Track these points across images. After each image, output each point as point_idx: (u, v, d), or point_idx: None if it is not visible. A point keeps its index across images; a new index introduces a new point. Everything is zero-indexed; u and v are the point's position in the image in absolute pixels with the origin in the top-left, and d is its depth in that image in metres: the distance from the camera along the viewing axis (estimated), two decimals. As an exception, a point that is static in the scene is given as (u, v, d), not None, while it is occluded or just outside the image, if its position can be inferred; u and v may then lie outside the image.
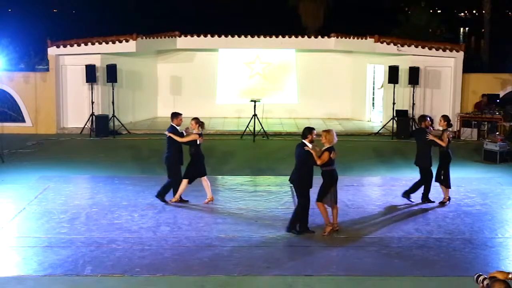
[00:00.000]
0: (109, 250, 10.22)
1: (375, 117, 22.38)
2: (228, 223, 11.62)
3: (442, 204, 12.70)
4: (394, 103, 20.11)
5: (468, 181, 14.59)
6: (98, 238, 10.75)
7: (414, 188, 12.85)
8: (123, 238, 10.73)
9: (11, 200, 12.91)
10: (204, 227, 11.35)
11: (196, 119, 12.52)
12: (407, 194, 12.87)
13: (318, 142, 11.18)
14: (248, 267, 9.62)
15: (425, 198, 12.80)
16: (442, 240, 10.82)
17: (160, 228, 11.30)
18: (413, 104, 20.18)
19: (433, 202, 12.77)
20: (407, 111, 20.14)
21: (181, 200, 12.72)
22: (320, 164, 10.78)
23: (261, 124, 19.76)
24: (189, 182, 12.63)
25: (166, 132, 12.56)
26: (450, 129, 12.87)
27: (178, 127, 12.59)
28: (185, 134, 12.58)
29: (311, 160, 10.77)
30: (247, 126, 19.73)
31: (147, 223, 11.54)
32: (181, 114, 12.70)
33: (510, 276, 5.37)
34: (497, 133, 18.00)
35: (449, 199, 12.78)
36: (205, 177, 12.67)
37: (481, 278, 5.27)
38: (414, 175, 14.95)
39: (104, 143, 19.08)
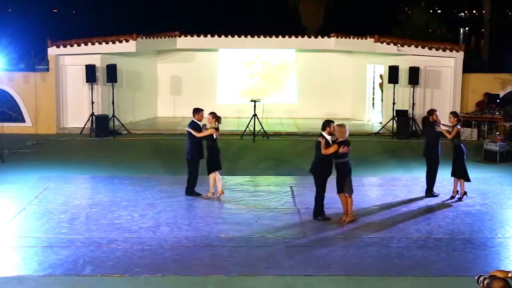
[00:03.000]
0: (109, 250, 10.21)
1: (375, 117, 22.38)
2: (228, 223, 11.61)
3: (459, 199, 12.96)
4: (394, 103, 20.11)
5: (468, 181, 14.58)
6: (98, 238, 10.75)
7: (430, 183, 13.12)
8: (123, 238, 10.73)
9: (11, 200, 12.90)
10: (204, 227, 11.35)
11: (213, 114, 12.99)
12: (429, 192, 13.10)
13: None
14: (248, 267, 9.62)
15: (429, 192, 13.07)
16: (442, 240, 10.82)
17: (160, 228, 11.30)
18: (413, 104, 20.18)
19: (437, 195, 13.07)
20: (407, 111, 20.14)
21: (196, 193, 13.16)
22: (324, 154, 11.27)
23: (261, 124, 19.75)
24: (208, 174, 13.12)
25: (187, 128, 13.00)
26: (460, 125, 13.09)
27: (199, 122, 13.06)
28: (203, 129, 13.01)
29: (320, 150, 11.33)
30: (247, 126, 19.73)
31: (147, 223, 11.53)
32: (202, 110, 13.20)
33: (510, 275, 5.38)
34: (497, 133, 18.00)
35: (465, 193, 13.02)
36: (217, 172, 13.06)
37: (481, 278, 5.30)
38: (413, 175, 14.98)
39: (104, 143, 19.08)
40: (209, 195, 13.05)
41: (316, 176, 11.61)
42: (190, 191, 13.17)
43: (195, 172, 13.11)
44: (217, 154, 13.00)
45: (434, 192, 13.14)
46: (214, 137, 12.85)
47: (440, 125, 13.01)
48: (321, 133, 11.53)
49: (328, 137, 11.39)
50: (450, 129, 12.96)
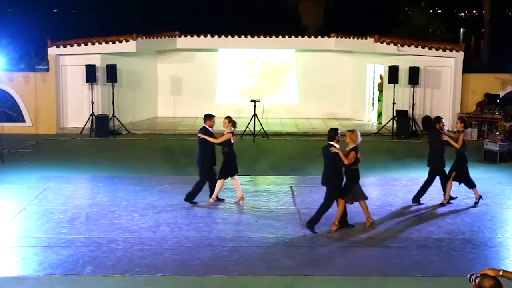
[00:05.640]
0: (109, 250, 10.22)
1: (375, 117, 22.39)
2: (228, 223, 11.62)
3: (475, 204, 12.64)
4: (394, 103, 20.11)
5: (468, 181, 14.56)
6: (98, 238, 10.75)
7: (445, 190, 12.71)
8: (123, 238, 10.73)
9: (11, 200, 12.91)
10: (204, 227, 11.35)
11: (229, 118, 12.58)
12: (417, 199, 12.71)
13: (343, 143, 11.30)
14: (248, 267, 9.62)
15: (416, 199, 12.70)
16: (442, 240, 10.82)
17: (160, 228, 11.30)
18: (413, 104, 20.18)
19: (422, 204, 12.66)
20: (407, 111, 20.15)
21: (218, 199, 12.73)
22: (347, 163, 10.93)
23: (261, 124, 19.76)
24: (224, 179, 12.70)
25: (199, 134, 12.51)
26: (467, 130, 12.84)
27: (210, 129, 12.57)
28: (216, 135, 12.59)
29: (339, 161, 10.91)
30: (247, 126, 19.73)
31: (147, 223, 11.54)
32: (214, 116, 12.72)
33: (501, 273, 5.39)
34: (497, 133, 18.01)
35: (480, 197, 12.68)
36: (235, 176, 12.71)
37: (473, 277, 5.30)
38: (414, 175, 14.98)
39: (104, 143, 19.08)
40: (237, 200, 12.71)
41: (332, 187, 11.09)
42: (192, 197, 12.66)
43: (205, 180, 12.64)
44: (234, 159, 12.61)
45: (421, 201, 12.72)
46: (232, 141, 12.47)
47: (446, 133, 12.60)
48: (329, 143, 11.05)
49: (337, 146, 11.06)
50: (455, 136, 12.58)
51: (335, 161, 10.95)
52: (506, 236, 11.01)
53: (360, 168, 15.81)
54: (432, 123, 12.98)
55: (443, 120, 12.80)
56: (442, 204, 12.66)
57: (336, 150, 10.92)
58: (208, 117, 12.64)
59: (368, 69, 22.44)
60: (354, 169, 11.11)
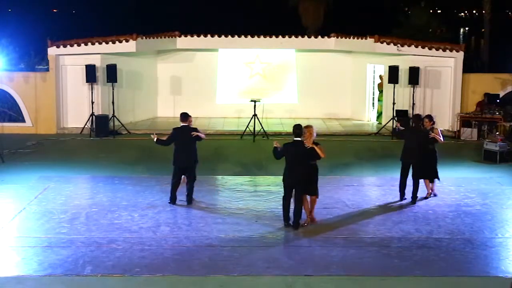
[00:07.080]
0: (109, 250, 10.22)
1: (375, 117, 22.40)
2: (228, 223, 11.62)
3: (425, 198, 13.02)
4: (394, 103, 20.12)
5: (468, 181, 14.59)
6: (98, 238, 10.75)
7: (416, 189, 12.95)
8: (123, 238, 10.73)
9: (11, 200, 12.91)
10: (204, 227, 11.35)
11: (191, 116, 12.80)
12: (415, 199, 12.93)
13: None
14: (248, 267, 9.63)
15: (415, 199, 12.92)
16: (442, 240, 10.82)
17: (160, 228, 11.30)
18: (413, 104, 20.19)
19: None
20: (407, 111, 20.14)
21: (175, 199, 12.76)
22: (324, 157, 11.16)
23: (261, 124, 19.75)
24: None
25: (193, 133, 12.49)
26: (435, 127, 13.10)
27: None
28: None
29: (316, 156, 11.11)
30: (247, 126, 19.73)
31: (147, 223, 11.54)
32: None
33: None
34: (497, 133, 18.02)
35: (431, 193, 13.11)
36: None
37: None
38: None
39: (104, 143, 19.08)
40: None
41: (307, 183, 11.21)
42: (192, 198, 12.74)
43: (195, 178, 12.76)
44: None
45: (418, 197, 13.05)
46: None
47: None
48: (299, 139, 11.17)
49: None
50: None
51: (311, 157, 11.15)
52: (506, 236, 11.01)
53: (360, 167, 15.93)
54: (415, 121, 13.21)
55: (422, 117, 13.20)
56: (425, 198, 13.03)
57: (312, 146, 11.10)
58: (188, 115, 12.72)
59: (368, 69, 22.44)
60: (315, 163, 11.38)
